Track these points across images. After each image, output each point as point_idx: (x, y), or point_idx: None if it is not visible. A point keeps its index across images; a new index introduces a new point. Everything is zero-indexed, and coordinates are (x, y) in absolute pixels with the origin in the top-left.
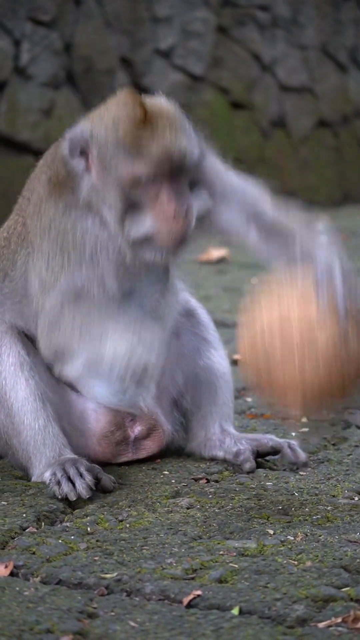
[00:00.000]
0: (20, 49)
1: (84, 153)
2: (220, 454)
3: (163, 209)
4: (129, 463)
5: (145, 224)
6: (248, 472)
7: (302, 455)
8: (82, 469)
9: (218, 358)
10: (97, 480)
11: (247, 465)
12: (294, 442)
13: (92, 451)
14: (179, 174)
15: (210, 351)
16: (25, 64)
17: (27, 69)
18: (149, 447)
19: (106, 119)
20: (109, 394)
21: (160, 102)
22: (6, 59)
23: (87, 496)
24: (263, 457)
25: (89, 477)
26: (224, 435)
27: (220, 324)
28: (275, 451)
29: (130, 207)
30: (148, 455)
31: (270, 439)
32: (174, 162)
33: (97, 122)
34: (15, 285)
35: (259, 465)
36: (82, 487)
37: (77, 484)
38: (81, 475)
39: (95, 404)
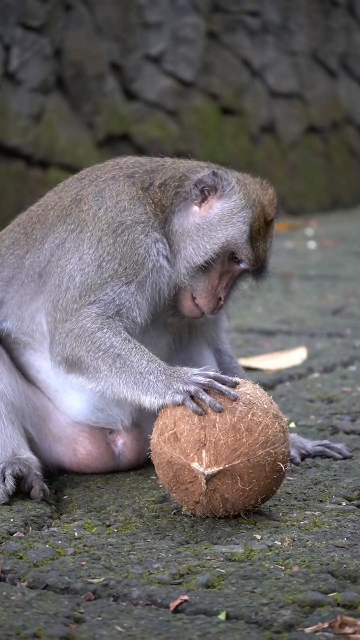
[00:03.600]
0: (10, 54)
1: (205, 194)
2: None
3: (213, 287)
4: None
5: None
6: None
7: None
8: (8, 473)
9: (207, 361)
10: (31, 487)
11: None
12: None
13: (67, 460)
14: (244, 272)
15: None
16: (15, 69)
17: (17, 74)
18: (132, 458)
19: (250, 192)
20: (88, 411)
21: None
22: None
23: (2, 502)
24: None
25: (10, 483)
26: None
27: None
28: None
29: (203, 265)
30: (130, 467)
31: None
32: (258, 264)
33: (243, 187)
34: (37, 258)
35: None
36: None
37: None
38: (4, 479)
39: (74, 417)
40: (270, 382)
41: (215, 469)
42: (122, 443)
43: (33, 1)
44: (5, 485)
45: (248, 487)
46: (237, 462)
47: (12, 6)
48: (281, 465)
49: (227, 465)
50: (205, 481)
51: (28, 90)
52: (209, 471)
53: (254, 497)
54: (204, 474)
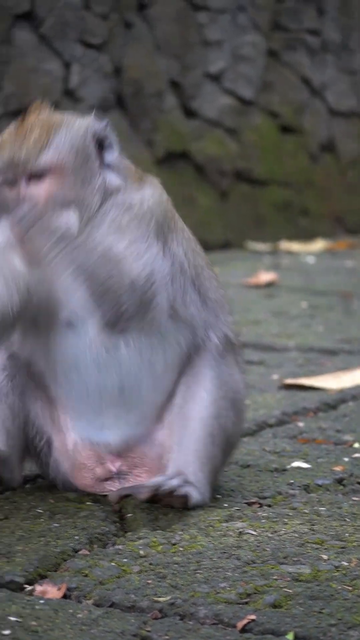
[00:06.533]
0: (70, 72)
1: None
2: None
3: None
4: None
5: None
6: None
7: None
8: None
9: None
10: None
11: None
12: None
13: (71, 478)
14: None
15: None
16: (75, 86)
17: (76, 91)
18: (139, 476)
19: None
20: (87, 427)
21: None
22: (56, 81)
23: None
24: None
25: None
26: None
27: (269, 348)
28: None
29: None
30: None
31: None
32: (15, 169)
33: None
34: None
35: (311, 491)
36: None
37: None
38: None
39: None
40: (333, 402)
41: None
42: (120, 465)
43: (93, 18)
44: None
45: None
46: None
47: (73, 23)
48: None
49: None
50: None
51: (88, 107)
52: None
53: None
54: None
